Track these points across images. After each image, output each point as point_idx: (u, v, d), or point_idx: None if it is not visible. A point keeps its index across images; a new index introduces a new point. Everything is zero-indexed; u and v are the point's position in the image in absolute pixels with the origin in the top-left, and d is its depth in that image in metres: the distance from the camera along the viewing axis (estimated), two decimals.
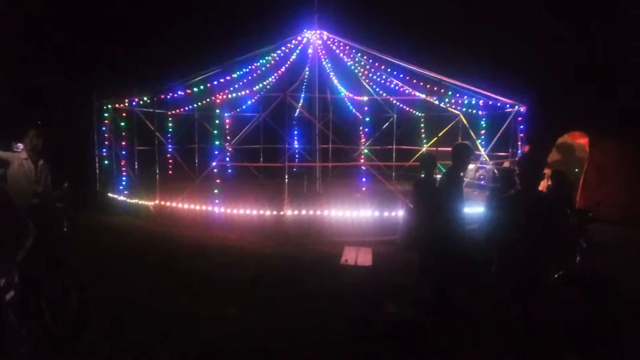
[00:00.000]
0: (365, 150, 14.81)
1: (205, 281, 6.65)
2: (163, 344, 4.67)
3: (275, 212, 9.92)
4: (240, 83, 13.86)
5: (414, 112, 17.41)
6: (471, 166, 13.64)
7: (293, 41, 13.26)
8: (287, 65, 13.85)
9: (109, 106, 12.67)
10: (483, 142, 13.58)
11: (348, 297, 6.10)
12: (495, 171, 13.51)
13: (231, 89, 14.11)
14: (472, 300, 5.25)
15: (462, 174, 5.50)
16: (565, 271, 4.71)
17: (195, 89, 12.57)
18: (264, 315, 5.45)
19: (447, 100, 13.42)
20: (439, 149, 11.77)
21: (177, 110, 15.77)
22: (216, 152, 12.55)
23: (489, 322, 4.49)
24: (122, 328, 5.00)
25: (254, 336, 4.93)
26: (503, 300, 4.17)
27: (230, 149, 13.49)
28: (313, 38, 13.17)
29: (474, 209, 9.34)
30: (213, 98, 14.25)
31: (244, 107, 16.82)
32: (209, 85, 12.71)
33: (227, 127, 17.17)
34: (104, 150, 12.74)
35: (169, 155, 15.07)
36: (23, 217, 3.69)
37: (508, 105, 12.89)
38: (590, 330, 4.51)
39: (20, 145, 5.08)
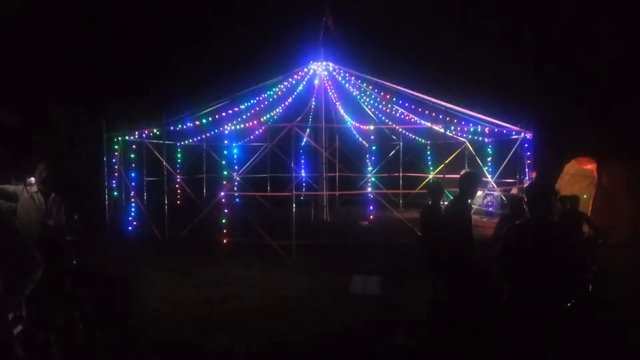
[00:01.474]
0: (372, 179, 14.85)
1: (212, 311, 6.60)
2: None
3: (282, 241, 9.89)
4: (248, 114, 14.07)
5: (420, 139, 17.48)
6: (479, 193, 13.60)
7: (300, 72, 13.50)
8: (294, 96, 14.07)
9: (119, 138, 12.88)
10: (490, 169, 13.55)
11: (357, 327, 6.02)
12: (503, 198, 13.45)
13: (239, 119, 14.32)
14: (483, 330, 5.16)
15: (469, 201, 5.48)
16: (578, 300, 4.65)
17: (204, 120, 12.77)
18: (271, 346, 5.39)
19: (452, 127, 13.49)
20: (446, 176, 11.77)
21: (186, 141, 15.97)
22: (224, 182, 12.63)
23: (501, 351, 4.40)
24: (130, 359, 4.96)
25: None
26: (515, 329, 4.10)
27: (237, 179, 13.58)
28: (319, 69, 13.40)
29: (483, 237, 9.26)
30: (221, 129, 14.45)
31: (251, 137, 17.02)
32: (217, 116, 12.91)
33: (235, 156, 17.36)
34: (114, 181, 12.88)
35: (177, 186, 15.19)
36: (32, 250, 3.71)
37: (514, 132, 12.92)
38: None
39: (32, 179, 5.16)
